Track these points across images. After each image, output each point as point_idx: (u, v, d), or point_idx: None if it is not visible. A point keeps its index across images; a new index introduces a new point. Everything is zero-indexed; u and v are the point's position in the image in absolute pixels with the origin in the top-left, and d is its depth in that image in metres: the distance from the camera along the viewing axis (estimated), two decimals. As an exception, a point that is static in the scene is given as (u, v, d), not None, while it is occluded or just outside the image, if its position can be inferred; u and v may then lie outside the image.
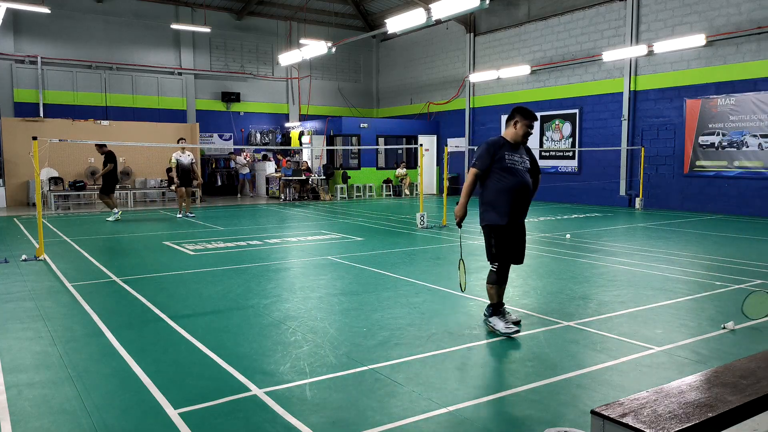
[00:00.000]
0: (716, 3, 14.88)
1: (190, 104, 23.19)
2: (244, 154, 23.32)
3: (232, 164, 23.28)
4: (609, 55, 16.89)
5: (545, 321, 5.37)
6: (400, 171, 23.07)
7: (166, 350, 4.61)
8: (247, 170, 23.02)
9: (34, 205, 17.68)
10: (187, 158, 14.63)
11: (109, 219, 13.77)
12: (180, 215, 14.72)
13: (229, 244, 10.21)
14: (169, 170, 15.35)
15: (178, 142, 14.93)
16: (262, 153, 23.42)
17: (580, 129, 18.67)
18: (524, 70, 19.75)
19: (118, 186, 14.22)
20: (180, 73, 22.85)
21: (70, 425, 3.31)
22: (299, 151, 23.32)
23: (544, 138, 19.81)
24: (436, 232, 11.60)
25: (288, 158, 22.44)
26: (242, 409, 3.50)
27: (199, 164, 21.63)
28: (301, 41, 22.05)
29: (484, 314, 5.17)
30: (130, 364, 4.24)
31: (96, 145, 13.86)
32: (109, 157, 13.69)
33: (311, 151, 22.87)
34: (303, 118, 25.41)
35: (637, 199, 16.59)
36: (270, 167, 22.49)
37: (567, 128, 19.06)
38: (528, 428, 3.26)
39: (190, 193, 15.29)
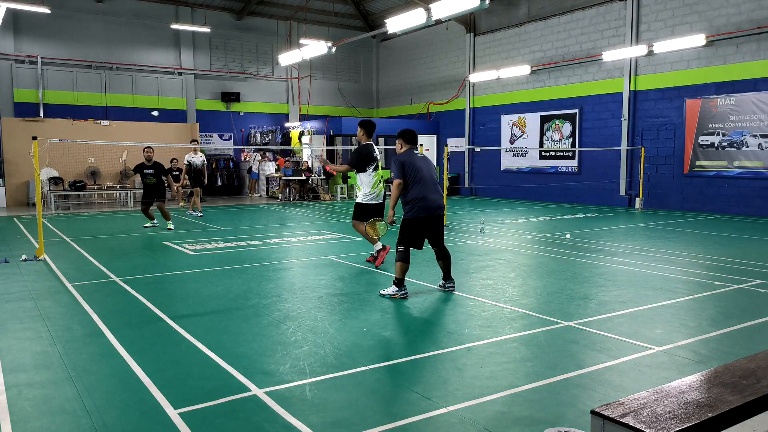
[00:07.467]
0: (716, 3, 14.87)
1: (190, 104, 23.18)
2: (262, 153, 23.19)
3: (253, 165, 23.06)
4: (609, 55, 16.88)
5: (545, 321, 5.37)
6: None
7: (166, 350, 4.61)
8: (256, 170, 23.01)
9: (34, 205, 17.68)
10: (199, 159, 15.23)
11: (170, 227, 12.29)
12: (195, 212, 15.24)
13: (229, 244, 10.21)
14: (180, 170, 15.76)
15: (190, 143, 15.25)
16: (263, 153, 23.39)
17: (580, 129, 18.67)
18: (524, 70, 19.75)
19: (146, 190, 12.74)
20: (180, 73, 22.84)
21: (70, 425, 3.31)
22: (299, 151, 23.30)
23: (544, 138, 19.81)
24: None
25: (287, 158, 22.41)
26: (242, 409, 3.50)
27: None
28: (301, 41, 22.03)
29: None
30: (130, 364, 4.24)
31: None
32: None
33: (311, 151, 22.86)
34: (303, 118, 25.39)
35: (637, 199, 16.58)
36: (270, 167, 22.48)
37: (567, 128, 19.06)
38: (528, 428, 3.26)
39: (199, 193, 15.50)
